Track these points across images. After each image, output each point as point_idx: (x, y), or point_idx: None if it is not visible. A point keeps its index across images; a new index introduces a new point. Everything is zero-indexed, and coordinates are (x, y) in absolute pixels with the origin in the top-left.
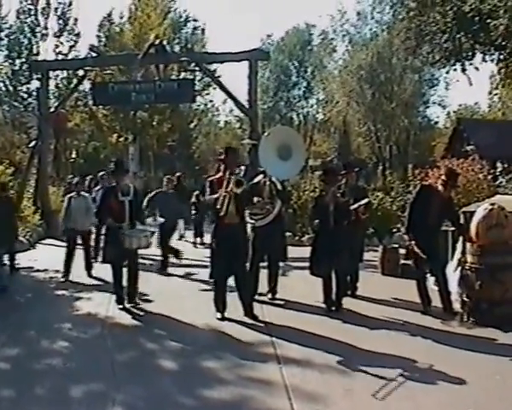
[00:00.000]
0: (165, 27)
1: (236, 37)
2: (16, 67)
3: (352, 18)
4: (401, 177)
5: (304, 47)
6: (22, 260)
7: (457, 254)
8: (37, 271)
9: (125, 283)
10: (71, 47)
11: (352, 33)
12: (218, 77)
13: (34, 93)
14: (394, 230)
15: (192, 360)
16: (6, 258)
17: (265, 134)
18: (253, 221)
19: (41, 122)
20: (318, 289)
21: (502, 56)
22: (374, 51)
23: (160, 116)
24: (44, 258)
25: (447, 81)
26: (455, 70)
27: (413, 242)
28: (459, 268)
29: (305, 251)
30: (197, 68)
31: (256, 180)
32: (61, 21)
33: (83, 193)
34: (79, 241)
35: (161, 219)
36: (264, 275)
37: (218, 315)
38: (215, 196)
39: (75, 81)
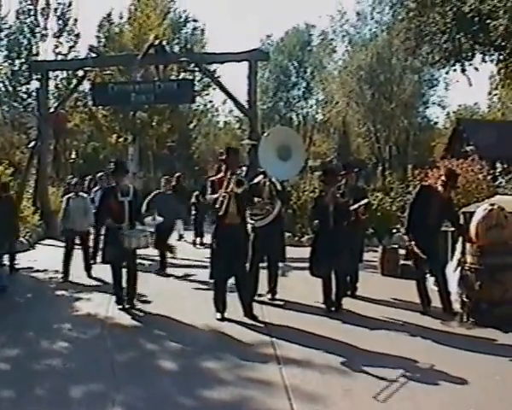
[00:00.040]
0: (164, 28)
1: (236, 37)
2: (16, 68)
3: (352, 18)
4: (401, 177)
5: (303, 47)
6: (22, 260)
7: (457, 255)
8: (37, 271)
9: (124, 283)
10: (70, 47)
11: (351, 34)
12: (218, 77)
13: (34, 93)
14: (394, 230)
15: (192, 360)
16: (6, 258)
17: (265, 134)
18: (252, 222)
19: (40, 122)
20: (318, 290)
21: (501, 57)
22: (373, 52)
23: (160, 117)
24: (44, 258)
25: (447, 81)
26: (454, 70)
27: (413, 242)
28: (459, 268)
29: (305, 252)
30: (197, 69)
31: (256, 181)
32: (60, 22)
33: (81, 194)
34: (78, 241)
35: (160, 219)
36: (263, 275)
37: (218, 316)
38: (215, 195)
39: (75, 81)
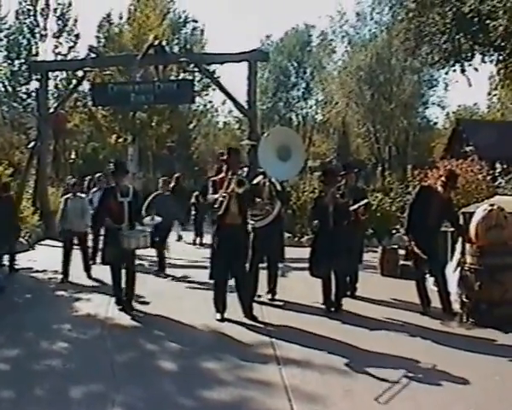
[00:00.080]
0: (164, 28)
1: (236, 37)
2: (15, 68)
3: (352, 19)
4: (400, 178)
5: (303, 48)
6: (21, 260)
7: (457, 255)
8: (37, 271)
9: (123, 284)
10: (70, 48)
11: (351, 34)
12: (218, 78)
13: (33, 94)
14: (393, 231)
15: (192, 360)
16: (6, 258)
17: (265, 135)
18: (252, 222)
19: (40, 123)
20: (318, 290)
21: (501, 57)
22: (373, 52)
23: (160, 117)
24: (43, 259)
25: (446, 82)
26: (454, 71)
27: (413, 242)
28: (458, 269)
29: (305, 252)
30: (196, 69)
31: (255, 181)
32: (60, 22)
33: (79, 194)
34: (76, 242)
35: (159, 219)
36: (263, 276)
37: (218, 316)
38: (216, 195)
39: (74, 82)
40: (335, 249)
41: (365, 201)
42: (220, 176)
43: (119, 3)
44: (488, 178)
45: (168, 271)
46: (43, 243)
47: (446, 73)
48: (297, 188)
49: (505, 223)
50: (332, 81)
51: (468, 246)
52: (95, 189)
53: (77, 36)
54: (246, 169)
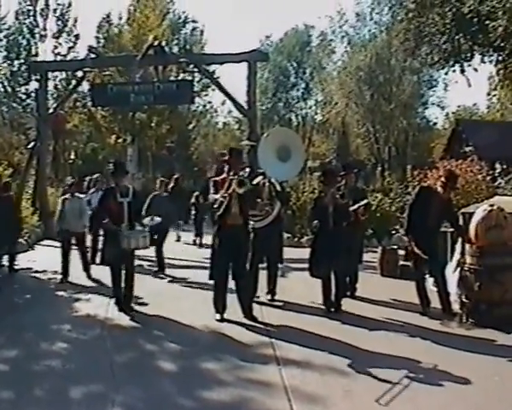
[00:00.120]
0: (163, 28)
1: (235, 38)
2: (15, 68)
3: (351, 19)
4: (400, 178)
5: (303, 48)
6: (21, 261)
7: (456, 256)
8: (36, 272)
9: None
10: (69, 48)
11: (350, 34)
12: (217, 78)
13: (33, 94)
14: (393, 231)
15: (191, 361)
16: (6, 259)
17: (264, 135)
18: (252, 222)
19: (40, 123)
20: (317, 291)
21: (500, 58)
22: (373, 52)
23: (159, 117)
24: (43, 259)
25: (446, 82)
26: (454, 71)
27: (413, 243)
28: (458, 269)
29: (305, 252)
30: (196, 69)
31: (255, 181)
32: (59, 22)
33: (77, 194)
34: (74, 242)
35: (158, 219)
36: (263, 276)
37: (218, 316)
38: (217, 196)
39: (74, 82)
40: (335, 250)
41: (365, 201)
42: (222, 176)
43: (119, 4)
44: (488, 178)
45: (168, 271)
46: (42, 243)
47: (446, 74)
48: (297, 188)
49: (505, 223)
50: (331, 81)
51: (467, 246)
52: (93, 189)
53: (76, 36)
54: (248, 170)
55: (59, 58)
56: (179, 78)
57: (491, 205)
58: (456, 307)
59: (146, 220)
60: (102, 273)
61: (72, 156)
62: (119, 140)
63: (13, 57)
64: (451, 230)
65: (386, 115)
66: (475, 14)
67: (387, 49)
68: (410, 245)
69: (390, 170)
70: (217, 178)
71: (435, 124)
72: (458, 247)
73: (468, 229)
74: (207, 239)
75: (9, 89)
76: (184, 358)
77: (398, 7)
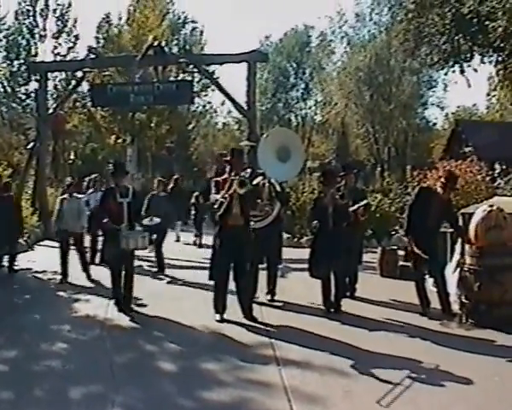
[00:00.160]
0: (163, 29)
1: (235, 38)
2: (14, 69)
3: (351, 20)
4: (399, 178)
5: (302, 49)
6: (20, 261)
7: (456, 256)
8: (36, 272)
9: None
10: (69, 48)
11: (350, 35)
12: (217, 78)
13: (32, 94)
14: (393, 231)
15: (191, 361)
16: (6, 259)
17: (264, 136)
18: (252, 223)
19: (39, 123)
20: (317, 291)
21: (500, 58)
22: (372, 53)
23: (159, 118)
24: (42, 259)
25: (445, 83)
26: (453, 72)
27: (413, 243)
28: (458, 270)
29: (304, 253)
30: (196, 70)
31: (255, 182)
32: (59, 23)
33: (75, 195)
34: (72, 242)
35: (157, 220)
36: (262, 277)
37: (217, 317)
38: (218, 196)
39: (74, 83)
40: (335, 250)
41: (365, 201)
42: (223, 177)
43: (119, 4)
44: (487, 178)
45: (167, 272)
46: (42, 243)
47: (445, 74)
48: (296, 189)
49: (504, 224)
50: (331, 82)
51: (467, 247)
52: (91, 190)
53: (76, 37)
54: (249, 170)
55: (58, 58)
56: (179, 78)
57: (491, 205)
58: (455, 307)
59: (145, 221)
60: (102, 274)
61: (72, 157)
62: (119, 140)
63: (12, 57)
64: (451, 230)
65: (385, 116)
66: (475, 14)
67: (387, 50)
68: (410, 245)
69: (389, 170)
70: (218, 179)
71: (435, 124)
72: (458, 247)
73: (468, 229)
74: (207, 240)
75: (9, 89)
76: (184, 358)
77: (397, 7)
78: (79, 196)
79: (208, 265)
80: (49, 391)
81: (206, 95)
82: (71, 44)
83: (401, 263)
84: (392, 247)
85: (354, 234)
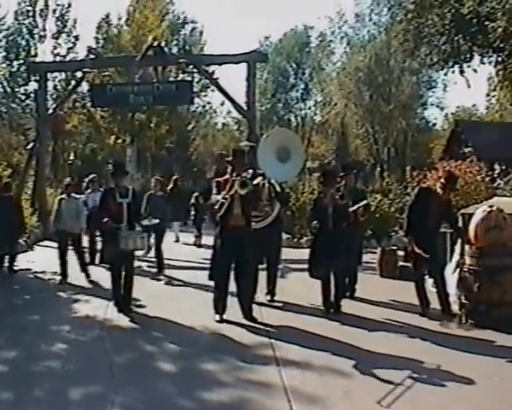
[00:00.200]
0: (163, 29)
1: (235, 38)
2: (14, 69)
3: (351, 20)
4: (399, 179)
5: (302, 49)
6: (20, 261)
7: (456, 256)
8: (35, 273)
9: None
10: (69, 49)
11: (350, 35)
12: (217, 79)
13: (32, 95)
14: (393, 232)
15: (191, 362)
16: (6, 259)
17: (264, 136)
18: (252, 223)
19: (39, 124)
20: (317, 291)
21: (500, 58)
22: (372, 53)
23: (158, 118)
24: (42, 260)
25: (445, 83)
26: (453, 72)
27: (413, 243)
28: (458, 270)
29: (304, 253)
30: (195, 70)
31: (255, 182)
32: (59, 23)
33: (74, 195)
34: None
35: (156, 220)
36: (262, 277)
37: (217, 317)
38: (218, 196)
39: (73, 83)
40: (335, 250)
41: (364, 202)
42: (225, 177)
43: (118, 4)
44: (487, 179)
45: (167, 272)
46: (41, 243)
47: (445, 75)
48: (296, 189)
49: (504, 224)
50: (331, 82)
51: (467, 247)
52: (89, 190)
53: (76, 37)
54: (251, 171)
55: (58, 59)
56: (178, 78)
57: (491, 206)
58: (455, 307)
59: (144, 221)
60: (101, 275)
61: (72, 157)
62: (119, 141)
63: (12, 58)
64: (451, 231)
65: (385, 116)
66: (475, 14)
67: (387, 50)
68: (410, 246)
69: (389, 171)
70: (219, 179)
71: (434, 125)
72: (458, 248)
73: (468, 230)
74: (207, 240)
75: (9, 89)
76: (184, 359)
77: (397, 8)
78: (78, 196)
79: (208, 265)
80: (49, 391)
81: (205, 95)
82: (70, 45)
83: (401, 263)
84: (392, 247)
85: (354, 234)
